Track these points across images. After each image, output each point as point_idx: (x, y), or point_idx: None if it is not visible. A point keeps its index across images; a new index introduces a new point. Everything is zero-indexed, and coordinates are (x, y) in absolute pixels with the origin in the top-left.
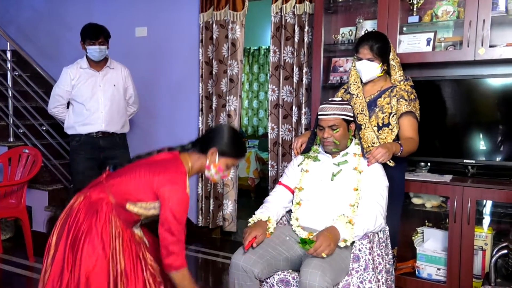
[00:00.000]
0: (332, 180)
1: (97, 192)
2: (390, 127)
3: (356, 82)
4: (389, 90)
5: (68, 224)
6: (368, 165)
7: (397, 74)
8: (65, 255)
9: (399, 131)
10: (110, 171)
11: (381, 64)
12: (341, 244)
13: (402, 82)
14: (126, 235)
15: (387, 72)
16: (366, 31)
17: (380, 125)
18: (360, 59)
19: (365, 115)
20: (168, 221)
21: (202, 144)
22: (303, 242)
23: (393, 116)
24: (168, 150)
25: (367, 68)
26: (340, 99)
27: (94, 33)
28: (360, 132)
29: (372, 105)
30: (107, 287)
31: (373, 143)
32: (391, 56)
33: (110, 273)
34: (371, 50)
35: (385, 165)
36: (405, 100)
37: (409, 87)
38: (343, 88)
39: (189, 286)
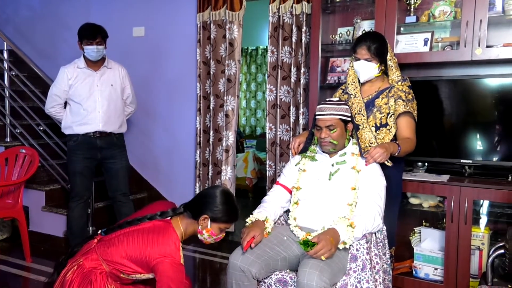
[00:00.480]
0: (329, 179)
1: (90, 261)
2: (388, 127)
3: (354, 82)
4: (387, 91)
5: None
6: (366, 165)
7: (395, 74)
8: None
9: (396, 131)
10: (101, 235)
11: (378, 64)
12: (340, 246)
13: (399, 83)
14: None
15: (384, 73)
16: (364, 31)
17: (378, 125)
18: (357, 59)
19: (363, 115)
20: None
21: (194, 209)
22: (305, 244)
23: (390, 116)
24: (160, 216)
25: (365, 68)
26: (337, 99)
27: (92, 33)
28: (357, 132)
29: (370, 105)
30: None
31: (371, 143)
32: (388, 57)
33: None
34: (369, 50)
35: (382, 165)
36: (403, 100)
37: (407, 88)
38: (341, 89)
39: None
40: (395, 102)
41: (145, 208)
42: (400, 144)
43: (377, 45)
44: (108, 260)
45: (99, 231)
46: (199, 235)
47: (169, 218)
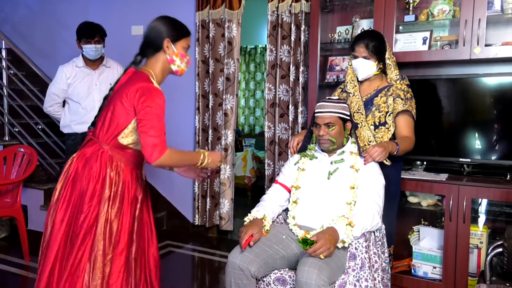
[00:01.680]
0: (328, 178)
1: (89, 148)
2: (386, 126)
3: (352, 81)
4: (386, 89)
5: (68, 183)
6: (364, 164)
7: (393, 73)
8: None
9: (395, 130)
10: (90, 129)
11: (376, 62)
12: (339, 245)
13: (398, 81)
14: (127, 177)
15: (383, 71)
16: (363, 30)
17: (377, 124)
18: (356, 57)
19: (362, 114)
20: (147, 118)
21: (150, 47)
22: (304, 242)
23: (389, 115)
24: (123, 74)
25: (363, 66)
26: (337, 97)
27: (90, 32)
28: (356, 131)
29: (368, 104)
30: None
31: (370, 141)
32: (387, 55)
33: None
34: (367, 48)
35: (381, 164)
36: (401, 99)
37: (405, 86)
38: (340, 88)
39: (182, 158)
40: (393, 101)
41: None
42: (398, 143)
43: (375, 43)
44: (103, 138)
45: (88, 126)
46: (172, 66)
47: (132, 69)
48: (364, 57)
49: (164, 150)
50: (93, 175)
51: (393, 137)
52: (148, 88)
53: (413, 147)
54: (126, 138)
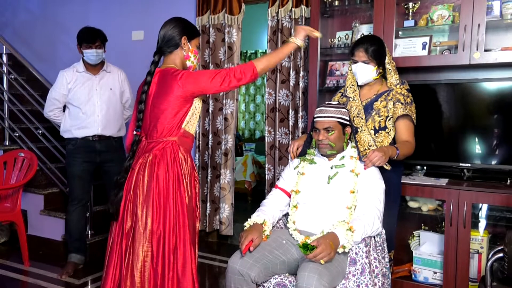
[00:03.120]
0: (328, 183)
1: (156, 145)
2: (386, 130)
3: (352, 85)
4: (386, 94)
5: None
6: (364, 169)
7: (393, 77)
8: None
9: (395, 134)
10: (138, 131)
11: (376, 67)
12: (339, 250)
13: (398, 86)
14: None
15: (383, 76)
16: (362, 35)
17: (377, 128)
18: (355, 62)
19: (362, 118)
20: (209, 80)
21: (168, 45)
22: (305, 247)
23: (389, 119)
24: (151, 76)
25: (363, 71)
26: (336, 102)
27: (91, 37)
28: (356, 135)
29: (368, 108)
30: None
31: (370, 146)
32: (387, 60)
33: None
34: (366, 53)
35: (381, 169)
36: (401, 103)
37: (405, 91)
38: (340, 92)
39: (276, 56)
40: (393, 105)
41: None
42: (398, 147)
43: (374, 47)
44: (168, 131)
45: (135, 132)
46: (187, 62)
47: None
48: (364, 62)
49: (255, 67)
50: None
51: (393, 141)
52: (188, 72)
53: (413, 151)
54: (189, 123)
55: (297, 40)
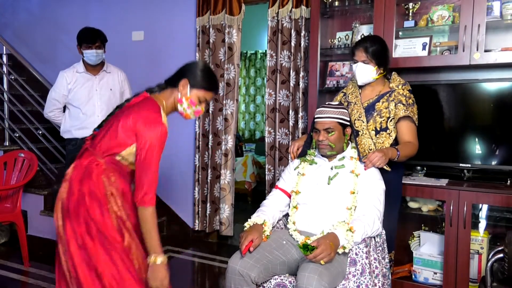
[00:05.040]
0: (328, 183)
1: (85, 159)
2: (388, 131)
3: (354, 92)
4: (387, 95)
5: (65, 198)
6: (365, 169)
7: (397, 79)
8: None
9: (397, 135)
10: (95, 131)
11: (376, 67)
12: (340, 250)
13: (400, 87)
14: (125, 190)
15: (385, 77)
16: (362, 36)
17: (378, 129)
18: (355, 62)
19: (363, 122)
20: (143, 159)
21: (173, 80)
22: (305, 248)
23: (391, 120)
24: (135, 96)
25: (362, 71)
26: (337, 103)
27: (91, 37)
28: (357, 139)
29: (370, 109)
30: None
31: (370, 149)
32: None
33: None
34: (366, 52)
35: (382, 169)
36: (403, 104)
37: (407, 92)
38: (342, 92)
39: (153, 225)
40: (395, 107)
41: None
42: (400, 148)
43: (374, 47)
44: (100, 151)
45: (90, 135)
46: (179, 106)
47: (146, 93)
48: (363, 62)
49: (150, 205)
50: (91, 189)
51: (395, 142)
52: (154, 120)
53: (416, 151)
54: (123, 159)
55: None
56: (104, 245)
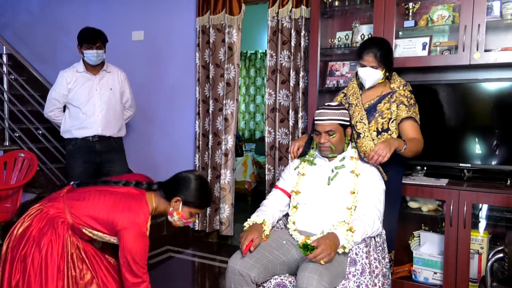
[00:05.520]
0: (328, 184)
1: (55, 209)
2: (389, 132)
3: (355, 93)
4: (389, 96)
5: (22, 236)
6: (371, 163)
7: (397, 80)
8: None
9: (400, 135)
10: (73, 186)
11: (384, 71)
12: (340, 250)
13: (401, 88)
14: (85, 248)
15: (387, 77)
16: (363, 36)
17: (380, 130)
18: (363, 66)
19: (364, 124)
20: (129, 263)
21: (168, 189)
22: (305, 248)
23: (392, 121)
24: (135, 186)
25: (371, 75)
26: (337, 103)
27: (92, 37)
28: (358, 141)
29: (372, 110)
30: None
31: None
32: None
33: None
34: (375, 58)
35: (382, 169)
36: (405, 105)
37: (408, 92)
38: (343, 93)
39: None
40: (397, 108)
41: (124, 175)
42: (407, 142)
43: (383, 52)
44: (73, 213)
45: (72, 182)
46: (169, 217)
47: (143, 190)
48: (372, 67)
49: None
50: (52, 237)
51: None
52: (141, 235)
53: (422, 148)
54: (90, 234)
55: None
56: None
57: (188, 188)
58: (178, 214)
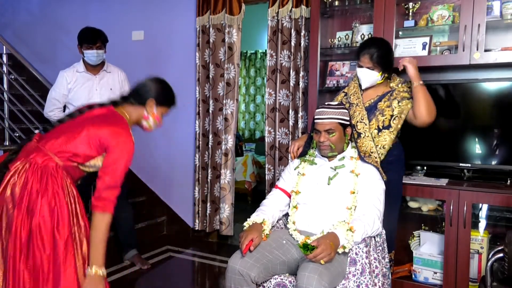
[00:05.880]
0: (328, 184)
1: (41, 157)
2: (390, 129)
3: (356, 93)
4: (389, 94)
5: (18, 191)
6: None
7: (397, 79)
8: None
9: (398, 133)
10: (41, 133)
11: (381, 72)
12: (340, 250)
13: (400, 85)
14: (76, 193)
15: (387, 77)
16: (363, 35)
17: (380, 127)
18: (361, 66)
19: (365, 124)
20: (111, 167)
21: (137, 97)
22: (305, 247)
23: (394, 119)
24: (99, 107)
25: (367, 76)
26: (337, 103)
27: (92, 37)
28: (358, 141)
29: (372, 109)
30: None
31: (372, 152)
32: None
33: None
34: (371, 59)
35: (383, 169)
36: (408, 99)
37: (407, 87)
38: (343, 92)
39: (104, 231)
40: (399, 104)
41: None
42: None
43: (380, 53)
44: (59, 153)
45: (36, 131)
46: (143, 121)
47: (110, 107)
48: (369, 68)
49: (107, 211)
50: (54, 189)
51: (396, 139)
52: (126, 137)
53: (435, 110)
54: (85, 168)
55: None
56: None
57: (157, 89)
58: (153, 115)
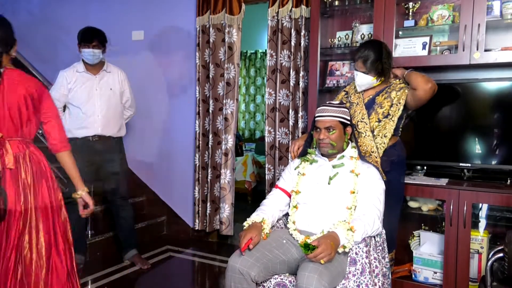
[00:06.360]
0: (329, 183)
1: (16, 148)
2: (389, 117)
3: (357, 92)
4: (386, 88)
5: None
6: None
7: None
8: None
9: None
10: None
11: (376, 76)
12: (340, 250)
13: (397, 80)
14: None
15: (385, 79)
16: (363, 35)
17: (381, 119)
18: (356, 70)
19: (366, 124)
20: (52, 110)
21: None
22: (305, 247)
23: (392, 106)
24: None
25: (362, 80)
26: (338, 102)
27: (89, 36)
28: (359, 140)
29: (371, 103)
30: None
31: (372, 151)
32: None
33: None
34: (364, 65)
35: (383, 169)
36: (406, 87)
37: (404, 84)
38: (344, 91)
39: (75, 164)
40: (396, 94)
41: None
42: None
43: (372, 59)
44: (28, 134)
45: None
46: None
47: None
48: (363, 72)
49: (69, 147)
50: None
51: (396, 127)
52: (40, 83)
53: (431, 84)
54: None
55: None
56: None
57: (8, 30)
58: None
